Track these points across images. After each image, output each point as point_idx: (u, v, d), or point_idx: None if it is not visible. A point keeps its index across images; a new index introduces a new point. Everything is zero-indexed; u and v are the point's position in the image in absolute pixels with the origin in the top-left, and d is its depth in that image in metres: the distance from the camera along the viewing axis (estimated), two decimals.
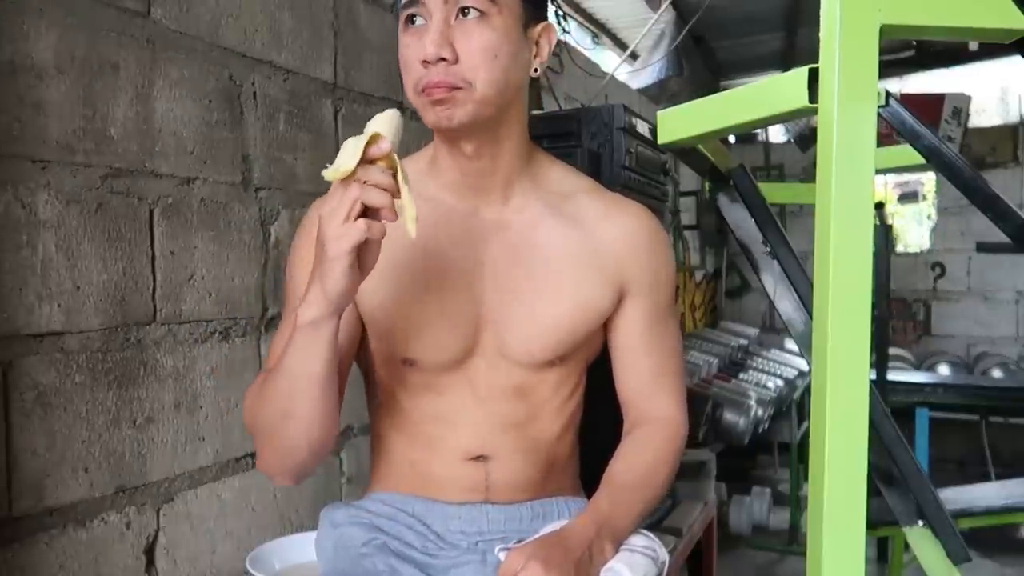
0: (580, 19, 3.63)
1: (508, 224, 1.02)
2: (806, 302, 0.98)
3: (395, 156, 0.79)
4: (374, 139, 0.79)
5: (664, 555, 0.98)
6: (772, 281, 1.04)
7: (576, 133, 1.44)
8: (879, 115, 0.66)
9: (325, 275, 0.81)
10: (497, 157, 1.00)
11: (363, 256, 0.82)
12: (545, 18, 1.00)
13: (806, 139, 4.57)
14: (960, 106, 4.29)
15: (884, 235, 2.84)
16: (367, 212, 0.79)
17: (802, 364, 3.97)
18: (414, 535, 1.00)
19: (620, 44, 3.98)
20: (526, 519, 1.02)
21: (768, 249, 1.03)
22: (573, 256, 1.02)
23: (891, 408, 1.06)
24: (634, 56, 3.80)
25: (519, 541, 0.91)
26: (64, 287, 1.13)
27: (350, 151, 0.78)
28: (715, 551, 1.79)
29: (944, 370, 4.50)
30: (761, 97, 0.81)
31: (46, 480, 1.11)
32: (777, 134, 5.43)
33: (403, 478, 1.03)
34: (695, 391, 3.19)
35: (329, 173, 0.78)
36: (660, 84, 3.77)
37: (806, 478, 2.70)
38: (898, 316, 5.07)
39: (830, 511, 0.64)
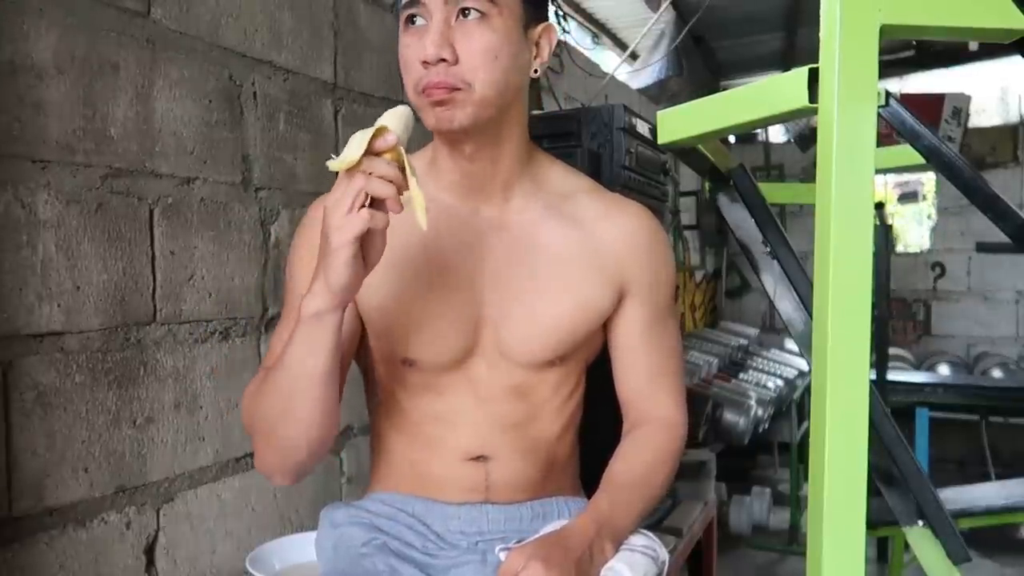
0: (580, 19, 3.63)
1: (508, 224, 1.02)
2: (806, 302, 0.98)
3: (401, 149, 0.80)
4: (380, 132, 0.79)
5: (664, 555, 0.98)
6: (772, 281, 1.04)
7: (576, 133, 1.44)
8: (879, 115, 0.66)
9: (329, 266, 0.81)
10: (497, 158, 1.00)
11: (367, 249, 0.82)
12: (546, 19, 1.00)
13: (806, 139, 4.57)
14: (960, 106, 4.29)
15: (884, 235, 2.84)
16: (372, 204, 0.79)
17: (802, 364, 3.97)
18: (414, 535, 1.00)
19: (620, 44, 3.98)
20: (526, 519, 1.02)
21: (768, 249, 1.03)
22: (573, 256, 1.02)
23: (891, 408, 1.06)
24: (634, 56, 3.80)
25: (519, 541, 0.91)
26: (64, 287, 1.13)
27: (356, 143, 0.78)
28: (715, 551, 1.79)
29: (944, 370, 4.50)
30: (761, 97, 0.81)
31: (46, 480, 1.11)
32: (777, 134, 5.43)
33: (403, 478, 1.03)
34: (695, 391, 3.19)
35: (334, 164, 0.79)
36: (660, 84, 3.78)
37: (806, 478, 2.70)
38: (898, 316, 5.07)
39: (830, 511, 0.64)
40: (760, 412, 3.35)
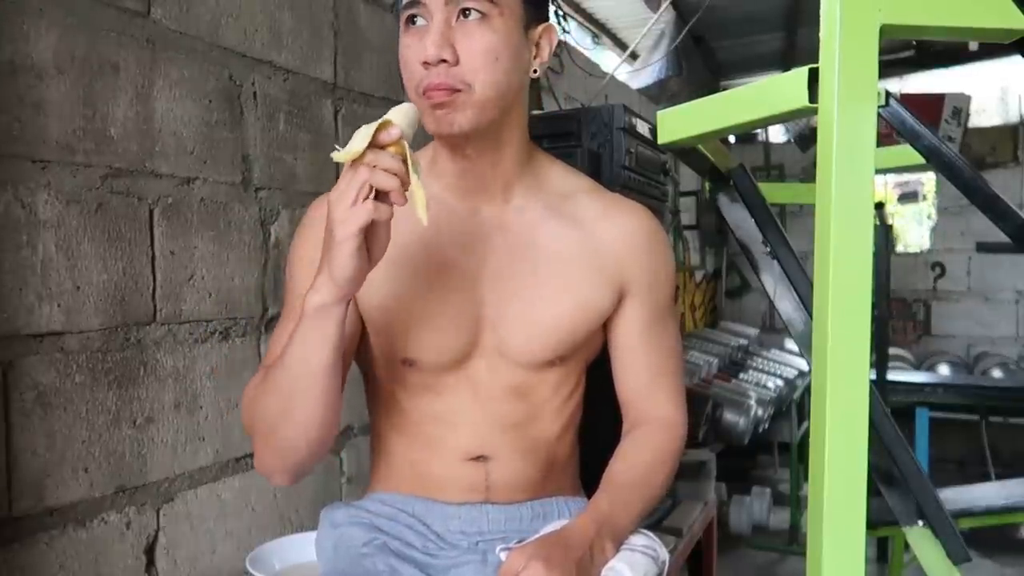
0: (580, 19, 3.63)
1: (508, 224, 1.02)
2: (806, 302, 0.98)
3: (405, 144, 0.80)
4: (384, 125, 0.79)
5: (664, 554, 0.98)
6: (772, 281, 1.04)
7: (576, 133, 1.44)
8: (879, 115, 0.66)
9: (333, 259, 0.81)
10: (498, 158, 1.00)
11: (371, 243, 0.82)
12: (546, 19, 1.00)
13: (806, 139, 4.57)
14: (960, 106, 4.29)
15: (884, 235, 2.84)
16: (376, 197, 0.79)
17: (802, 364, 3.97)
18: (414, 535, 1.00)
19: (620, 44, 3.98)
20: (526, 519, 1.02)
21: (768, 249, 1.03)
22: (573, 256, 1.02)
23: (891, 408, 1.06)
24: (634, 56, 3.80)
25: (520, 541, 0.91)
26: (64, 287, 1.13)
27: (361, 136, 0.79)
28: (715, 551, 1.79)
29: (944, 370, 4.50)
30: (761, 97, 0.81)
31: (46, 480, 1.11)
32: (777, 134, 5.43)
33: (403, 478, 1.03)
34: (695, 391, 3.19)
35: (338, 155, 0.79)
36: (660, 84, 3.78)
37: (806, 478, 2.71)
38: (898, 316, 5.07)
39: (830, 511, 0.64)
40: (760, 412, 3.35)
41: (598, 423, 1.11)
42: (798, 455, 3.60)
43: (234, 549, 1.42)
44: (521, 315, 0.99)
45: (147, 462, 1.26)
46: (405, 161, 0.80)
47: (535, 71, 0.99)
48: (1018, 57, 0.93)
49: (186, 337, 1.33)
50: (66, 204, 1.13)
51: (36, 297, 1.10)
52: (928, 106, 4.22)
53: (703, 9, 3.34)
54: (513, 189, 1.02)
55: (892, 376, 3.34)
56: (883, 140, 0.76)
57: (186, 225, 1.33)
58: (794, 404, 3.66)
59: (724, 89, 3.22)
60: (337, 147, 0.79)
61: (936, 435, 3.41)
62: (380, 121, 0.79)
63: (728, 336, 4.27)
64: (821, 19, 0.64)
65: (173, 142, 1.30)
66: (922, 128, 0.72)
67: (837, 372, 0.64)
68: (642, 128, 1.52)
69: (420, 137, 0.86)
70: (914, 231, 5.38)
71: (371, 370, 1.05)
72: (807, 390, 3.61)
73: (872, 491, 0.69)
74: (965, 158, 0.75)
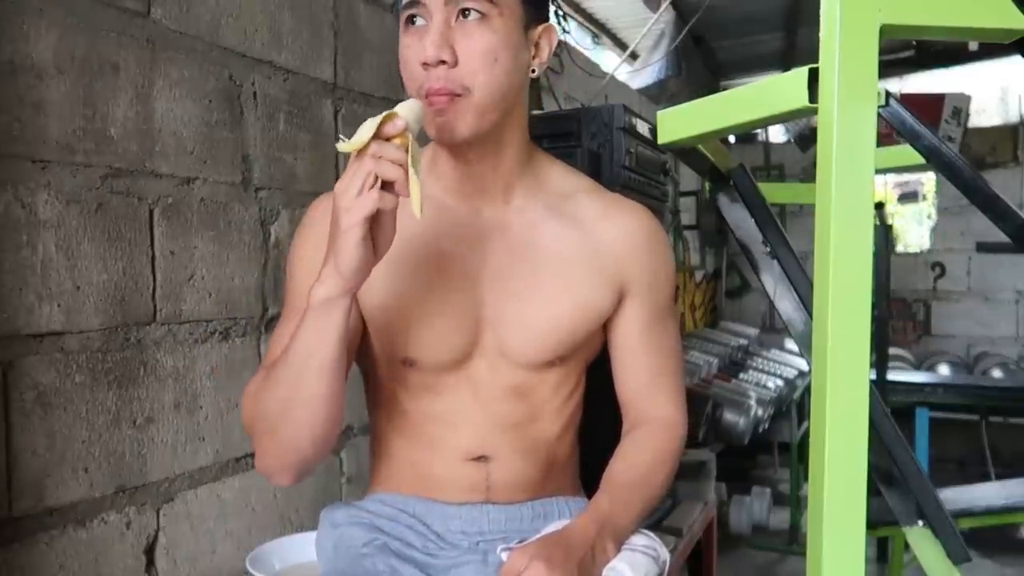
0: (580, 19, 3.63)
1: (509, 224, 1.02)
2: (806, 302, 0.98)
3: (410, 136, 0.81)
4: (390, 117, 0.80)
5: (665, 554, 0.98)
6: (772, 281, 1.04)
7: (576, 133, 1.44)
8: (879, 115, 0.66)
9: (339, 250, 0.81)
10: (498, 160, 1.00)
11: (377, 235, 0.82)
12: (546, 19, 1.00)
13: (806, 139, 4.57)
14: (960, 106, 4.29)
15: (884, 235, 2.84)
16: (382, 188, 0.80)
17: (802, 364, 3.97)
18: (415, 535, 1.00)
19: (620, 44, 3.98)
20: (527, 519, 1.02)
21: (768, 249, 1.03)
22: (573, 256, 1.02)
23: (891, 408, 1.06)
24: (634, 56, 3.80)
25: (521, 541, 0.91)
26: (64, 287, 1.13)
27: (367, 127, 0.79)
28: (715, 551, 1.79)
29: (944, 370, 4.50)
30: (761, 97, 0.81)
31: (46, 480, 1.11)
32: (777, 134, 5.43)
33: (404, 479, 1.03)
34: (695, 391, 3.19)
35: (344, 146, 0.80)
36: (660, 84, 3.78)
37: (806, 478, 2.70)
38: (898, 316, 5.07)
39: (830, 511, 0.64)
40: (760, 412, 3.35)
41: (598, 423, 1.11)
42: (798, 455, 3.60)
43: (234, 549, 1.42)
44: (521, 315, 0.99)
45: (147, 462, 1.26)
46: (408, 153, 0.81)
47: (535, 71, 0.99)
48: (1018, 57, 0.93)
49: (186, 337, 1.33)
50: (66, 204, 1.13)
51: (36, 297, 1.10)
52: (928, 106, 4.22)
53: (703, 9, 3.34)
54: (514, 190, 1.02)
55: (892, 376, 3.34)
56: (883, 140, 0.76)
57: (186, 225, 1.33)
58: (794, 404, 3.66)
59: (724, 89, 3.22)
60: (343, 137, 0.80)
61: (936, 435, 3.41)
62: (386, 113, 0.80)
63: (728, 336, 4.27)
64: (821, 19, 0.64)
65: (173, 142, 1.30)
66: (922, 128, 0.72)
67: (837, 372, 0.64)
68: (642, 128, 1.52)
69: (421, 136, 0.87)
70: (914, 231, 5.38)
71: (372, 371, 1.05)
72: (807, 390, 3.61)
73: (872, 491, 0.69)
74: (965, 158, 0.75)
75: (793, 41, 4.27)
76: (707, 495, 1.75)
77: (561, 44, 2.89)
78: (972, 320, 5.00)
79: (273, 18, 1.51)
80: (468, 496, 1.01)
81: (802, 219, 4.97)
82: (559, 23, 2.95)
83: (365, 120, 0.80)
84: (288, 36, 1.55)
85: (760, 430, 3.40)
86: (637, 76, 3.82)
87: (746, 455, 4.01)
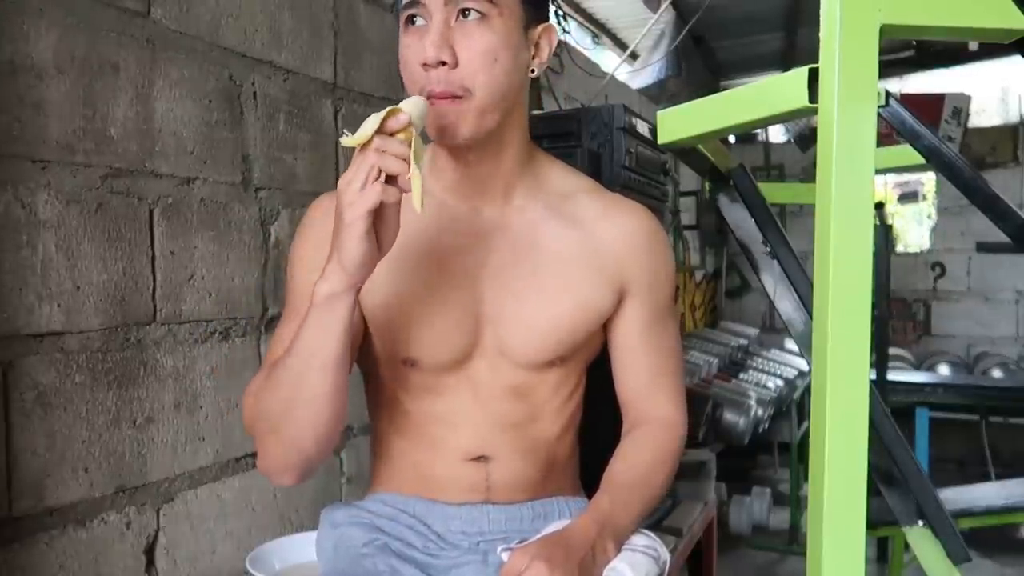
0: (580, 19, 3.63)
1: (509, 224, 1.02)
2: (806, 302, 0.98)
3: (413, 131, 0.81)
4: (393, 112, 0.80)
5: (665, 554, 0.98)
6: (772, 281, 1.04)
7: (576, 133, 1.44)
8: (879, 115, 0.66)
9: (342, 244, 0.81)
10: (499, 160, 1.00)
11: (380, 229, 0.83)
12: (546, 19, 1.00)
13: (806, 139, 4.57)
14: (960, 106, 4.29)
15: (884, 235, 2.84)
16: (385, 183, 0.80)
17: (802, 364, 3.97)
18: (415, 535, 1.00)
19: (620, 44, 3.98)
20: (527, 519, 1.02)
21: (768, 249, 1.03)
22: (573, 256, 1.02)
23: (891, 408, 1.06)
24: (634, 56, 3.80)
25: (521, 541, 0.91)
26: (64, 287, 1.13)
27: (371, 122, 0.80)
28: (715, 551, 1.79)
29: (944, 370, 4.50)
30: (761, 97, 0.81)
31: (46, 480, 1.11)
32: (777, 134, 5.43)
33: (406, 480, 1.03)
34: (695, 391, 3.19)
35: (348, 140, 0.80)
36: (660, 84, 3.78)
37: (806, 478, 2.71)
38: (898, 316, 5.07)
39: (830, 511, 0.64)
40: (760, 412, 3.35)
41: (598, 423, 1.11)
42: (798, 455, 3.60)
43: (234, 549, 1.42)
44: (521, 315, 0.99)
45: (147, 462, 1.26)
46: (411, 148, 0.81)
47: (535, 71, 0.99)
48: (1018, 57, 0.93)
49: (186, 337, 1.33)
50: (66, 204, 1.13)
51: (36, 297, 1.10)
52: (928, 106, 4.22)
53: (703, 9, 3.34)
54: (514, 190, 1.02)
55: (892, 376, 3.34)
56: (883, 140, 0.76)
57: (186, 225, 1.33)
58: (794, 404, 3.66)
59: (724, 89, 3.22)
60: (346, 132, 0.80)
61: (936, 435, 3.41)
62: (389, 109, 0.81)
63: (728, 336, 4.26)
64: (821, 19, 0.64)
65: (173, 142, 1.30)
66: (922, 128, 0.72)
67: (837, 372, 0.64)
68: (642, 128, 1.52)
69: (423, 134, 0.87)
70: (914, 231, 5.38)
71: (373, 372, 1.05)
72: (807, 390, 3.61)
73: (872, 491, 0.69)
74: (965, 158, 0.75)
75: (793, 41, 4.27)
76: (707, 495, 1.75)
77: (561, 44, 2.89)
78: (972, 320, 5.00)
79: (273, 18, 1.51)
80: (468, 496, 1.01)
81: (802, 219, 4.97)
82: (559, 23, 2.95)
83: (367, 118, 0.80)
84: (288, 36, 1.55)
85: (760, 430, 3.40)
86: (637, 76, 3.82)
87: (746, 455, 4.01)
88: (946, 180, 0.76)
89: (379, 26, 1.81)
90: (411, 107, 0.82)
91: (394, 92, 1.84)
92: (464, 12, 0.90)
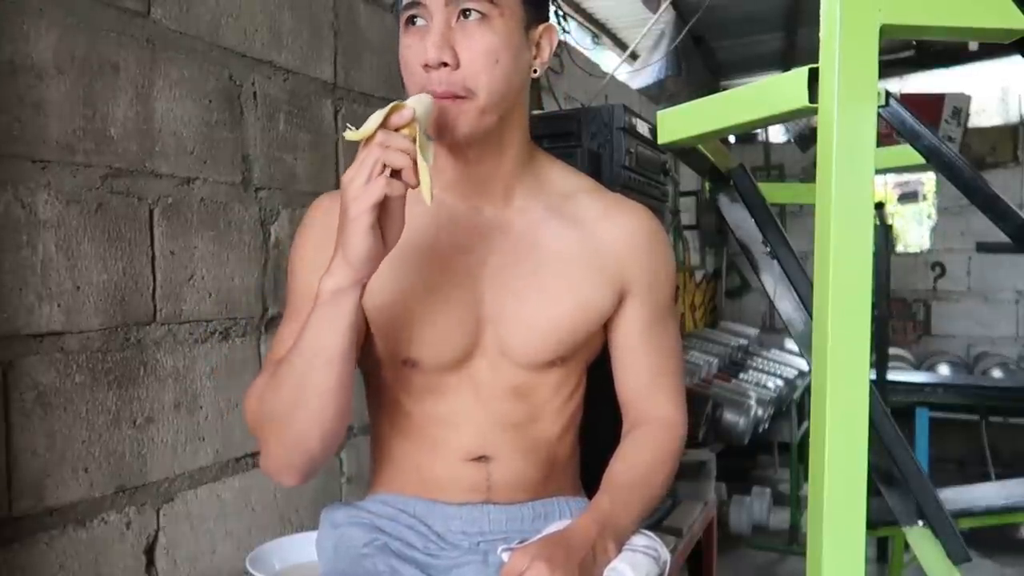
0: (580, 19, 3.63)
1: (510, 224, 1.02)
2: (806, 302, 0.98)
3: (417, 126, 0.81)
4: (397, 108, 0.81)
5: (666, 555, 0.98)
6: (772, 281, 1.04)
7: (576, 133, 1.44)
8: (879, 115, 0.66)
9: (348, 239, 0.81)
10: (500, 160, 1.00)
11: (385, 225, 0.83)
12: (546, 19, 1.00)
13: (806, 139, 4.57)
14: (960, 106, 4.29)
15: (884, 235, 2.84)
16: (390, 177, 0.80)
17: (802, 364, 3.97)
18: (415, 536, 1.00)
19: (620, 44, 3.98)
20: (527, 519, 1.02)
21: (768, 249, 1.03)
22: (574, 256, 1.02)
23: (891, 408, 1.06)
24: (634, 56, 3.80)
25: (522, 541, 0.91)
26: (64, 287, 1.13)
27: (375, 118, 0.80)
28: (715, 551, 1.79)
29: (944, 370, 4.50)
30: (761, 97, 0.81)
31: (46, 480, 1.11)
32: (777, 134, 5.43)
33: (407, 481, 1.03)
34: (695, 391, 3.19)
35: (352, 135, 0.80)
36: (660, 84, 3.78)
37: (806, 478, 2.70)
38: (898, 316, 5.07)
39: (830, 511, 0.64)
40: (760, 412, 3.35)
41: (598, 423, 1.11)
42: (798, 455, 3.60)
43: (234, 549, 1.42)
44: (522, 315, 0.99)
45: (147, 462, 1.26)
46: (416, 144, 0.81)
47: (536, 71, 0.99)
48: (1018, 57, 0.93)
49: (186, 337, 1.33)
50: (66, 204, 1.13)
51: (36, 297, 1.10)
52: (928, 106, 4.22)
53: (703, 9, 3.34)
54: (514, 190, 1.02)
55: (892, 376, 3.34)
56: (883, 140, 0.76)
57: (186, 225, 1.33)
58: (794, 404, 3.66)
59: (724, 89, 3.22)
60: (350, 127, 0.80)
61: (936, 435, 3.41)
62: (393, 104, 0.81)
63: (728, 336, 4.26)
64: (821, 19, 0.64)
65: (173, 142, 1.30)
66: (922, 128, 0.72)
67: (837, 372, 0.64)
68: (642, 128, 1.52)
69: None
70: (914, 231, 5.38)
71: (374, 373, 1.05)
72: (807, 390, 3.61)
73: (872, 491, 0.69)
74: (965, 158, 0.75)
75: (793, 41, 4.28)
76: (707, 495, 1.75)
77: (561, 44, 2.89)
78: (972, 320, 5.00)
79: (273, 18, 1.51)
80: (468, 496, 1.01)
81: (802, 219, 4.97)
82: (559, 23, 2.95)
83: (369, 116, 0.81)
84: (288, 36, 1.55)
85: (760, 430, 3.40)
86: (637, 76, 3.82)
87: (746, 455, 4.01)
88: (946, 180, 0.76)
89: (379, 26, 1.81)
90: (416, 102, 0.83)
91: (394, 92, 1.84)
92: (465, 12, 0.90)
